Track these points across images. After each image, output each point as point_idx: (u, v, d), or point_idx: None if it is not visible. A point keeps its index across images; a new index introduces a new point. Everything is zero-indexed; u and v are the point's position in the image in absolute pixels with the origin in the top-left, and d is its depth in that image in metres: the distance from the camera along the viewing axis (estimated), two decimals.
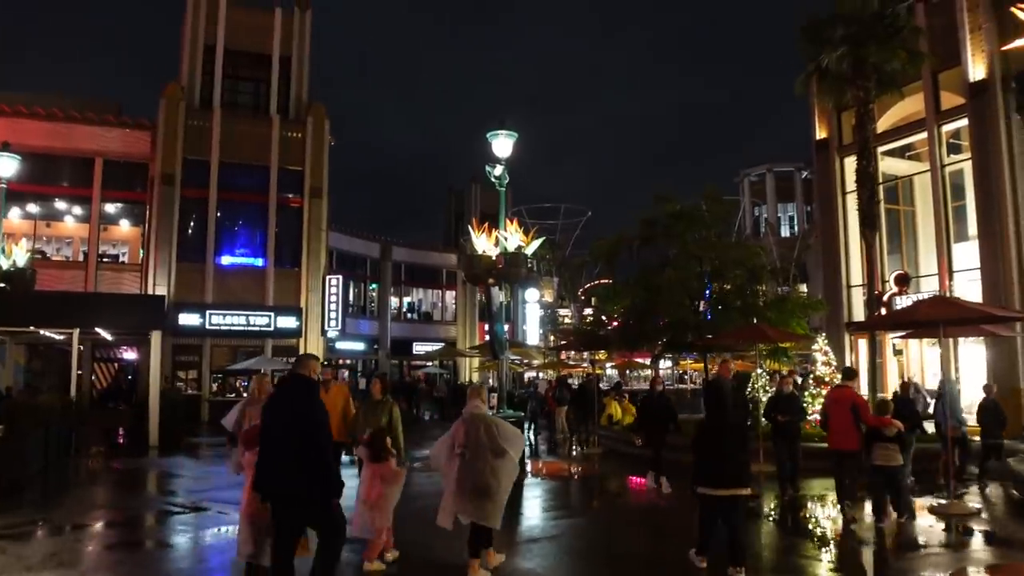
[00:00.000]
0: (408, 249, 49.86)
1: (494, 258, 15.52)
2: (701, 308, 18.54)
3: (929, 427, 15.17)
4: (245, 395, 30.95)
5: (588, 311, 57.88)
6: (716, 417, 8.03)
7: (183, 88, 31.63)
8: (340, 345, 44.77)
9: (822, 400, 16.64)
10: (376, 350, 47.52)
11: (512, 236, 15.58)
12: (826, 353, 16.97)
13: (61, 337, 22.29)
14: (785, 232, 66.87)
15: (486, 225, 16.00)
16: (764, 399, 16.55)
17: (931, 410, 18.84)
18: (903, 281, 23.93)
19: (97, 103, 32.44)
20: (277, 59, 33.24)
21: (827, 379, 16.78)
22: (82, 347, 29.52)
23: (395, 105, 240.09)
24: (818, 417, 16.53)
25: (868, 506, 11.21)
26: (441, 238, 56.68)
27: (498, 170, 16.11)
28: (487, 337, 44.27)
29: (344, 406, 11.13)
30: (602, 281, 54.72)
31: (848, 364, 25.06)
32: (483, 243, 15.84)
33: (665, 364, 47.17)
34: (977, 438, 14.61)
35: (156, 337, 21.33)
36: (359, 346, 46.90)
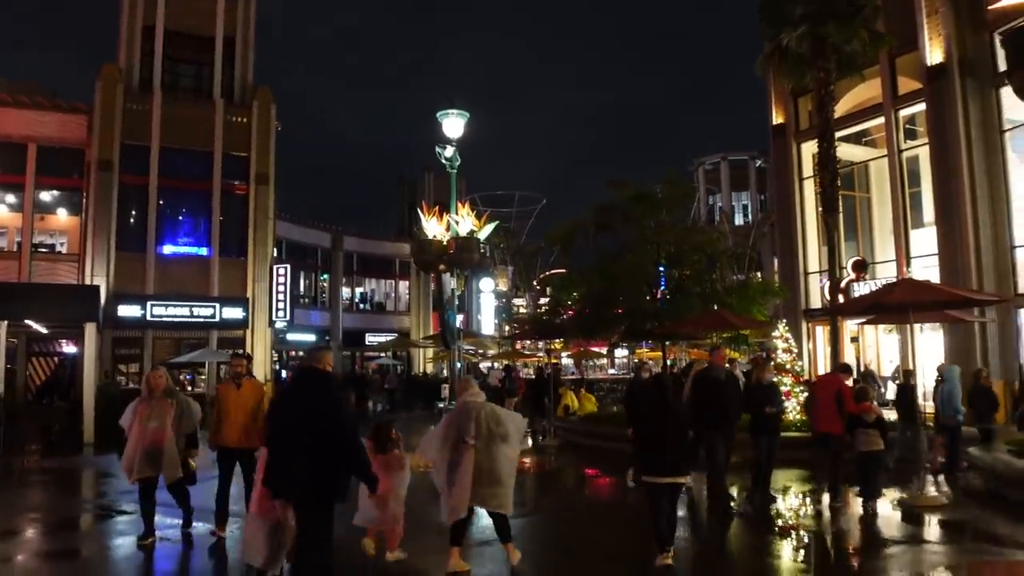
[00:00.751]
0: (360, 239, 48.96)
1: (445, 243, 14.84)
2: (659, 295, 18.03)
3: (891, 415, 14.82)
4: (191, 389, 30.69)
5: (543, 300, 57.48)
6: (657, 405, 8.03)
7: (121, 70, 30.27)
8: (291, 336, 43.70)
9: (783, 388, 16.30)
10: (328, 342, 46.52)
11: (464, 220, 14.92)
12: (787, 340, 16.58)
13: None
14: (739, 220, 67.06)
15: (436, 209, 15.30)
16: None
17: (888, 397, 18.67)
18: (860, 267, 23.77)
19: (29, 86, 30.95)
20: (221, 40, 31.95)
21: (788, 366, 16.38)
22: (15, 340, 28.39)
23: (342, 96, 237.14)
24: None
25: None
26: (394, 228, 55.73)
27: (449, 151, 15.43)
28: (440, 330, 43.68)
29: (256, 405, 9.43)
30: (557, 271, 54.35)
31: (805, 350, 24.94)
32: (434, 227, 15.16)
33: (621, 353, 46.87)
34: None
35: (90, 329, 20.27)
36: (310, 337, 45.84)
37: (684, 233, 18.97)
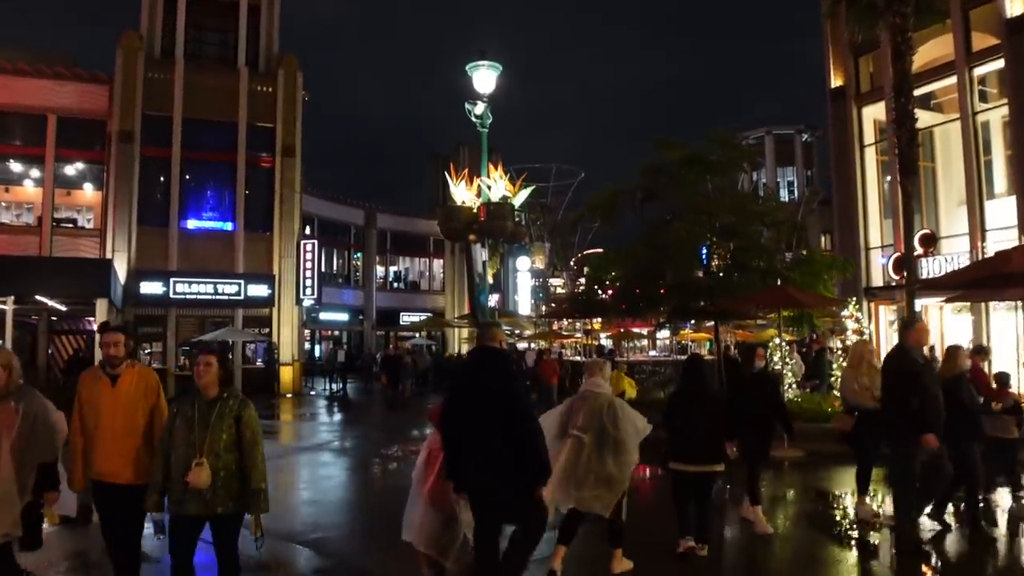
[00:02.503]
0: (393, 216, 47.85)
1: (476, 210, 13.30)
2: (712, 268, 16.32)
3: None
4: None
5: (581, 280, 55.72)
6: (692, 388, 7.48)
7: (142, 38, 29.06)
8: (323, 316, 42.84)
9: None
10: (361, 321, 45.61)
11: (497, 184, 13.35)
12: (858, 320, 14.84)
13: (2, 307, 20.00)
14: (784, 197, 64.55)
15: (465, 172, 13.75)
16: (789, 373, 14.54)
17: None
18: (929, 241, 21.81)
19: (50, 56, 29.87)
20: (245, 6, 30.59)
21: None
22: (37, 318, 27.50)
23: (371, 75, 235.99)
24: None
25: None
26: (428, 205, 54.37)
27: (479, 107, 13.83)
28: (471, 305, 42.17)
29: (149, 411, 5.53)
30: (594, 250, 52.51)
31: (868, 331, 23.05)
32: (463, 193, 13.61)
33: (663, 334, 45.04)
34: None
35: (102, 305, 19.15)
36: (343, 316, 44.99)
37: (740, 200, 17.21)
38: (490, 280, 14.28)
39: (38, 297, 19.80)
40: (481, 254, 13.62)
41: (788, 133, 65.42)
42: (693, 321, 25.13)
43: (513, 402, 5.32)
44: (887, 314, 23.55)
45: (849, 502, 9.78)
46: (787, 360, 15.74)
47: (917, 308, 22.78)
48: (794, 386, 15.33)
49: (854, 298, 17.20)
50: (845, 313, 15.01)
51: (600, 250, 35.78)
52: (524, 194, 13.67)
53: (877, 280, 23.67)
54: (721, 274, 16.08)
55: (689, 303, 16.39)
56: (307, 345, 42.04)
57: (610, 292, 19.07)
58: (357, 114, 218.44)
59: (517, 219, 13.35)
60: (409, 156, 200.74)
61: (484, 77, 13.85)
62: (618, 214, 16.85)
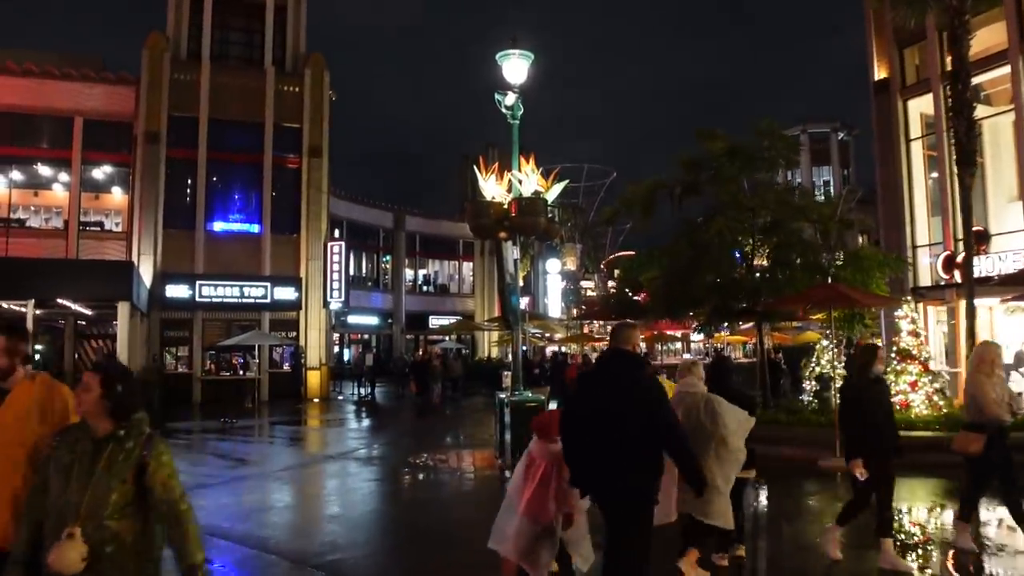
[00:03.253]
0: (423, 219, 47.46)
1: (506, 206, 12.60)
2: (753, 266, 15.46)
3: None
4: (243, 374, 29.19)
5: (612, 283, 54.76)
6: (718, 390, 6.81)
7: (168, 38, 28.77)
8: (352, 319, 42.48)
9: (907, 378, 13.71)
10: (390, 324, 45.20)
11: (528, 178, 12.64)
12: (913, 321, 13.92)
13: (22, 310, 19.66)
14: (820, 197, 63.15)
15: (495, 166, 13.04)
16: (837, 376, 13.66)
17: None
18: (981, 239, 20.74)
19: (77, 58, 29.70)
20: (272, 6, 30.19)
21: (914, 352, 13.73)
22: (63, 322, 27.28)
23: (397, 83, 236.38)
24: (904, 399, 13.64)
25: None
26: (456, 207, 53.82)
27: (510, 98, 13.13)
28: (502, 306, 41.68)
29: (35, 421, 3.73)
30: (625, 252, 51.53)
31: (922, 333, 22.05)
32: (493, 188, 12.91)
33: (696, 336, 44.09)
34: None
35: (123, 308, 18.69)
36: (372, 320, 44.63)
37: (784, 195, 16.31)
38: (520, 281, 13.54)
39: (60, 300, 19.39)
40: (512, 252, 12.91)
41: (824, 132, 64.06)
42: (728, 324, 24.15)
43: (654, 411, 4.93)
44: (936, 315, 22.52)
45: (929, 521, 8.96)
46: (835, 364, 14.89)
47: (979, 306, 21.87)
48: None
49: (908, 296, 16.28)
50: (899, 313, 14.11)
51: (632, 252, 34.94)
52: (557, 189, 12.94)
53: (925, 280, 22.63)
54: (767, 274, 15.22)
55: (730, 303, 15.56)
56: (336, 349, 41.69)
57: (644, 294, 18.27)
58: (384, 122, 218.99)
59: (550, 215, 12.61)
60: (436, 161, 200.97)
61: (515, 66, 13.16)
62: (655, 209, 16.05)
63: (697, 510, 6.19)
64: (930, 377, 13.73)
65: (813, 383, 14.99)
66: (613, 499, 4.98)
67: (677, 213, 16.11)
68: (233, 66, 29.71)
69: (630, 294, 19.32)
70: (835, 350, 15.25)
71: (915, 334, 13.89)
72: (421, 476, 12.70)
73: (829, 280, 13.84)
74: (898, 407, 13.46)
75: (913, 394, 13.53)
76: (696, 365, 6.92)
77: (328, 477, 13.02)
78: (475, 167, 13.00)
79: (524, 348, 23.15)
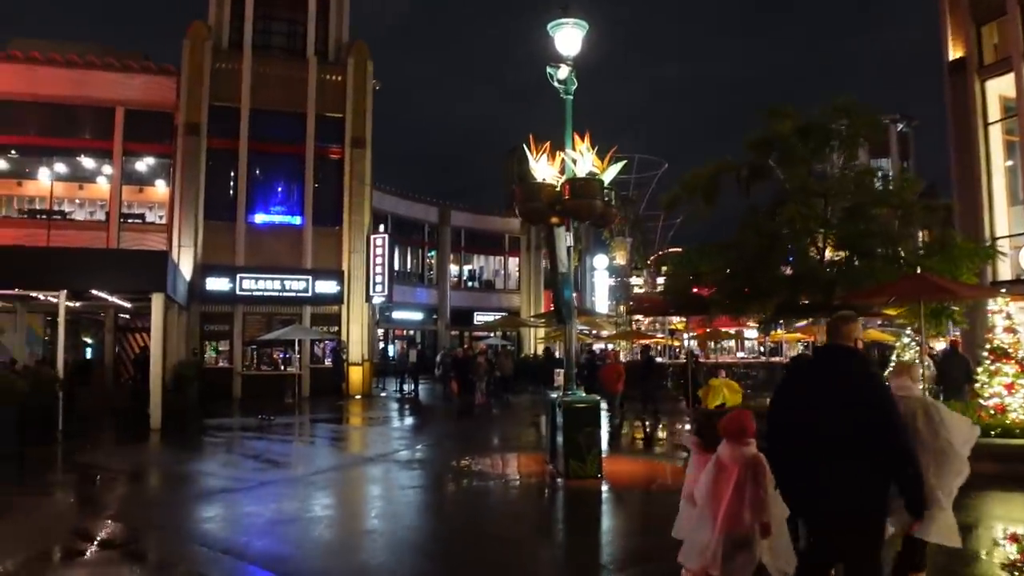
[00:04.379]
0: (468, 214, 46.74)
1: (559, 188, 11.53)
2: (830, 257, 14.18)
3: None
4: (284, 369, 28.47)
5: (661, 280, 53.30)
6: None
7: (210, 28, 28.20)
8: (396, 315, 41.84)
9: (1003, 380, 12.34)
10: (435, 320, 44.52)
11: (583, 157, 11.55)
12: (1009, 316, 12.56)
13: (54, 300, 19.11)
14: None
15: (547, 146, 11.96)
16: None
17: None
18: None
19: (119, 51, 29.29)
20: None
21: (1010, 350, 12.36)
22: (103, 315, 26.85)
23: (440, 79, 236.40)
24: (999, 402, 12.29)
25: None
26: (502, 202, 52.88)
27: (563, 71, 12.06)
28: (553, 306, 40.38)
29: None
30: (673, 249, 50.00)
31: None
32: (544, 169, 11.85)
33: (750, 334, 42.57)
34: None
35: (158, 300, 17.95)
36: (416, 316, 44.00)
37: (865, 178, 14.97)
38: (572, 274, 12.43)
39: (94, 292, 18.78)
40: (566, 239, 11.83)
41: (882, 122, 61.84)
42: (792, 320, 22.79)
43: (880, 416, 4.37)
44: (1017, 311, 20.91)
45: None
46: (921, 364, 13.55)
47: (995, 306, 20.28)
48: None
49: (1004, 289, 14.90)
50: (993, 307, 12.76)
51: (679, 249, 33.57)
52: (614, 170, 11.82)
53: (1005, 273, 21.09)
54: (843, 266, 13.92)
55: (801, 297, 14.29)
56: (380, 345, 41.05)
57: (707, 287, 16.96)
58: (425, 123, 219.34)
59: (606, 198, 11.51)
60: (477, 163, 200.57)
61: (568, 36, 12.09)
62: (718, 195, 14.79)
63: (924, 532, 5.36)
64: None
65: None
66: (838, 527, 4.40)
67: (744, 198, 14.87)
68: (275, 55, 29.03)
69: (691, 286, 17.84)
70: (918, 349, 13.90)
71: (1011, 330, 12.51)
72: (467, 483, 11.62)
73: (918, 271, 12.54)
74: (992, 411, 12.14)
75: (1009, 397, 12.16)
76: (913, 366, 6.16)
77: (365, 483, 12.07)
78: (525, 146, 11.92)
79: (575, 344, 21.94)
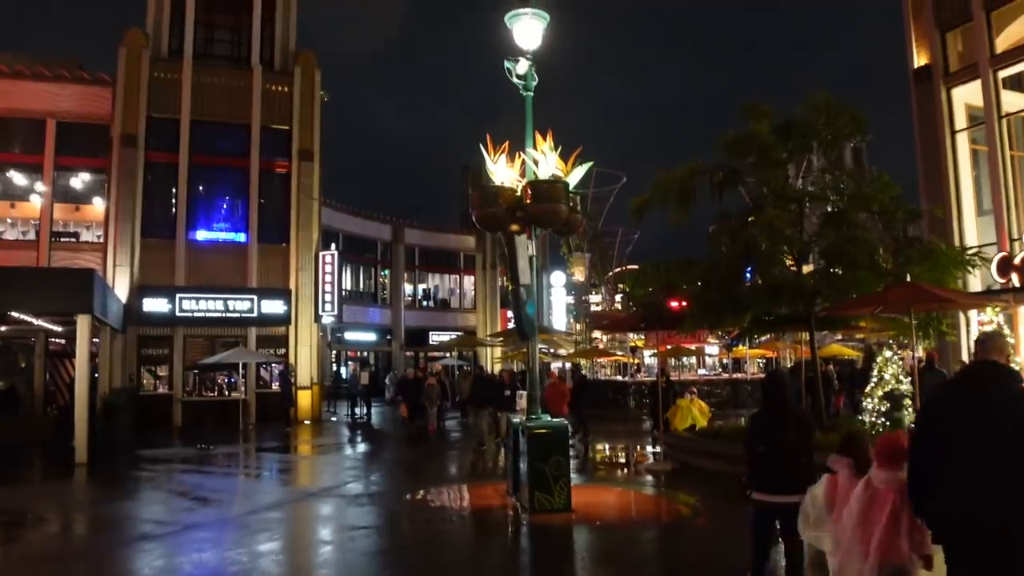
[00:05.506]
0: (422, 231, 45.68)
1: (520, 192, 10.50)
2: (807, 267, 13.35)
3: None
4: (228, 395, 26.77)
5: (619, 297, 52.51)
6: (776, 408, 6.52)
7: (148, 35, 26.77)
8: (349, 335, 40.49)
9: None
10: (389, 341, 43.18)
11: (546, 158, 10.54)
12: (1000, 325, 11.79)
13: None
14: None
15: (506, 146, 10.93)
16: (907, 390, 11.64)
17: None
18: None
19: (52, 59, 27.73)
20: (259, 1, 28.19)
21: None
22: (33, 339, 25.11)
23: (389, 96, 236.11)
24: None
25: None
26: (457, 219, 51.85)
27: (522, 66, 11.06)
28: (510, 325, 39.60)
29: None
30: (631, 266, 49.21)
31: (964, 344, 19.89)
32: (503, 171, 10.82)
33: (711, 350, 41.93)
34: None
35: (83, 322, 16.48)
36: (370, 336, 42.71)
37: (849, 180, 14.15)
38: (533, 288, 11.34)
39: (14, 314, 17.27)
40: (528, 248, 10.77)
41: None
42: (763, 335, 22.02)
43: None
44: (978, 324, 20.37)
45: None
46: (899, 378, 12.74)
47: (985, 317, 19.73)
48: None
49: (1009, 298, 14.19)
50: (984, 317, 11.99)
51: (635, 266, 32.73)
52: (580, 172, 10.83)
53: (974, 285, 20.49)
54: (825, 274, 13.05)
55: (778, 308, 13.39)
56: (333, 367, 39.60)
57: (676, 300, 15.98)
58: (378, 138, 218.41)
59: (572, 203, 10.50)
60: (434, 179, 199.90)
61: (527, 28, 11.10)
62: (694, 200, 13.81)
63: None
64: None
65: (876, 402, 12.79)
66: (995, 558, 4.02)
67: (716, 203, 13.92)
68: (217, 64, 27.69)
69: (666, 300, 16.79)
70: (898, 362, 13.05)
71: None
72: (423, 522, 10.36)
73: (902, 280, 11.69)
74: None
75: None
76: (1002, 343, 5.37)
77: (309, 523, 10.79)
78: (482, 147, 10.87)
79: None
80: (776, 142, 13.13)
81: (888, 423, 12.19)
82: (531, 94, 11.12)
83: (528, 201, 10.20)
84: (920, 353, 20.38)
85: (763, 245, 12.63)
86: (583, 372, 29.12)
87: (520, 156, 10.97)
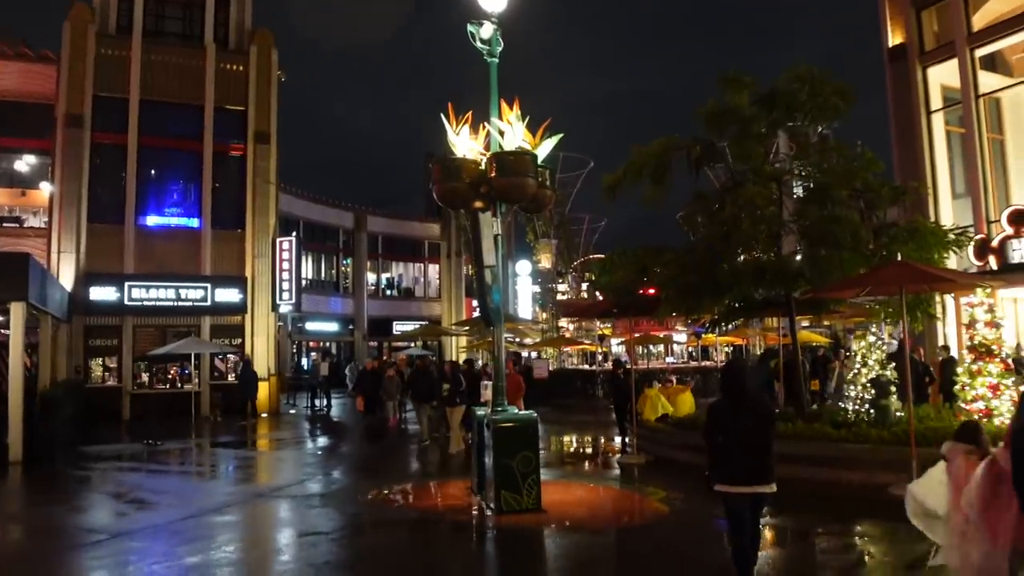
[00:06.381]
0: (386, 219, 44.75)
1: (484, 165, 9.68)
2: (786, 246, 12.68)
3: None
4: (181, 387, 25.50)
5: (585, 285, 51.93)
6: (734, 397, 6.30)
7: (94, 10, 25.39)
8: (310, 326, 39.41)
9: (987, 380, 10.96)
10: (351, 330, 42.15)
11: (513, 128, 9.72)
12: (991, 310, 11.22)
13: None
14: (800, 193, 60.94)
15: (468, 115, 10.08)
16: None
17: None
18: (1020, 219, 18.22)
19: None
20: None
21: (993, 347, 10.98)
22: None
23: (353, 86, 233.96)
24: (984, 406, 10.88)
25: None
26: (421, 208, 50.80)
27: (486, 30, 10.20)
28: (475, 313, 38.87)
29: None
30: (594, 256, 48.60)
31: (940, 328, 19.45)
32: (466, 143, 9.98)
33: (679, 338, 41.41)
34: None
35: (17, 310, 15.38)
36: (332, 326, 41.66)
37: (831, 154, 13.53)
38: (499, 271, 10.52)
39: None
40: (493, 227, 9.94)
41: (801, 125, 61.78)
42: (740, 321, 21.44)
43: None
44: (966, 306, 19.93)
45: None
46: (884, 364, 12.15)
47: (1004, 297, 19.35)
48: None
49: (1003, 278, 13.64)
50: (974, 300, 11.41)
51: (601, 256, 32.11)
52: (549, 145, 10.03)
53: (952, 267, 20.06)
54: (808, 254, 12.38)
55: (758, 292, 12.72)
56: (293, 358, 38.49)
57: (650, 287, 15.24)
58: (344, 129, 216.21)
59: (540, 178, 9.69)
60: (397, 170, 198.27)
61: None
62: (670, 178, 13.04)
63: None
64: (1014, 379, 10.98)
65: (859, 389, 12.19)
66: None
67: (693, 182, 13.18)
68: (169, 42, 26.34)
69: (639, 286, 15.95)
70: (883, 347, 12.45)
71: (994, 325, 11.15)
72: (382, 525, 9.55)
73: (888, 260, 11.06)
74: (979, 416, 10.70)
75: (996, 401, 10.78)
76: None
77: (256, 528, 9.87)
78: (443, 116, 10.01)
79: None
80: (758, 114, 12.43)
81: (873, 411, 11.58)
82: (496, 60, 10.27)
83: (493, 175, 9.37)
84: (885, 336, 20.05)
85: (744, 224, 11.90)
86: (529, 364, 28.46)
87: (484, 127, 10.15)
